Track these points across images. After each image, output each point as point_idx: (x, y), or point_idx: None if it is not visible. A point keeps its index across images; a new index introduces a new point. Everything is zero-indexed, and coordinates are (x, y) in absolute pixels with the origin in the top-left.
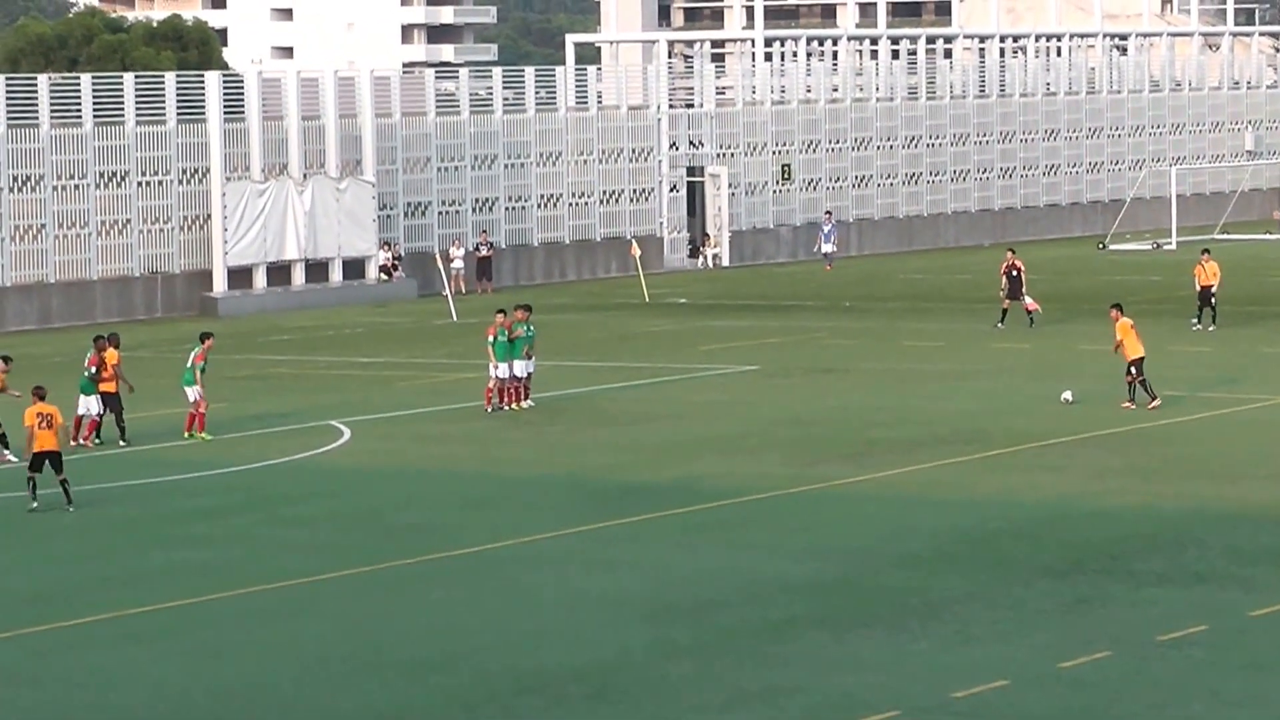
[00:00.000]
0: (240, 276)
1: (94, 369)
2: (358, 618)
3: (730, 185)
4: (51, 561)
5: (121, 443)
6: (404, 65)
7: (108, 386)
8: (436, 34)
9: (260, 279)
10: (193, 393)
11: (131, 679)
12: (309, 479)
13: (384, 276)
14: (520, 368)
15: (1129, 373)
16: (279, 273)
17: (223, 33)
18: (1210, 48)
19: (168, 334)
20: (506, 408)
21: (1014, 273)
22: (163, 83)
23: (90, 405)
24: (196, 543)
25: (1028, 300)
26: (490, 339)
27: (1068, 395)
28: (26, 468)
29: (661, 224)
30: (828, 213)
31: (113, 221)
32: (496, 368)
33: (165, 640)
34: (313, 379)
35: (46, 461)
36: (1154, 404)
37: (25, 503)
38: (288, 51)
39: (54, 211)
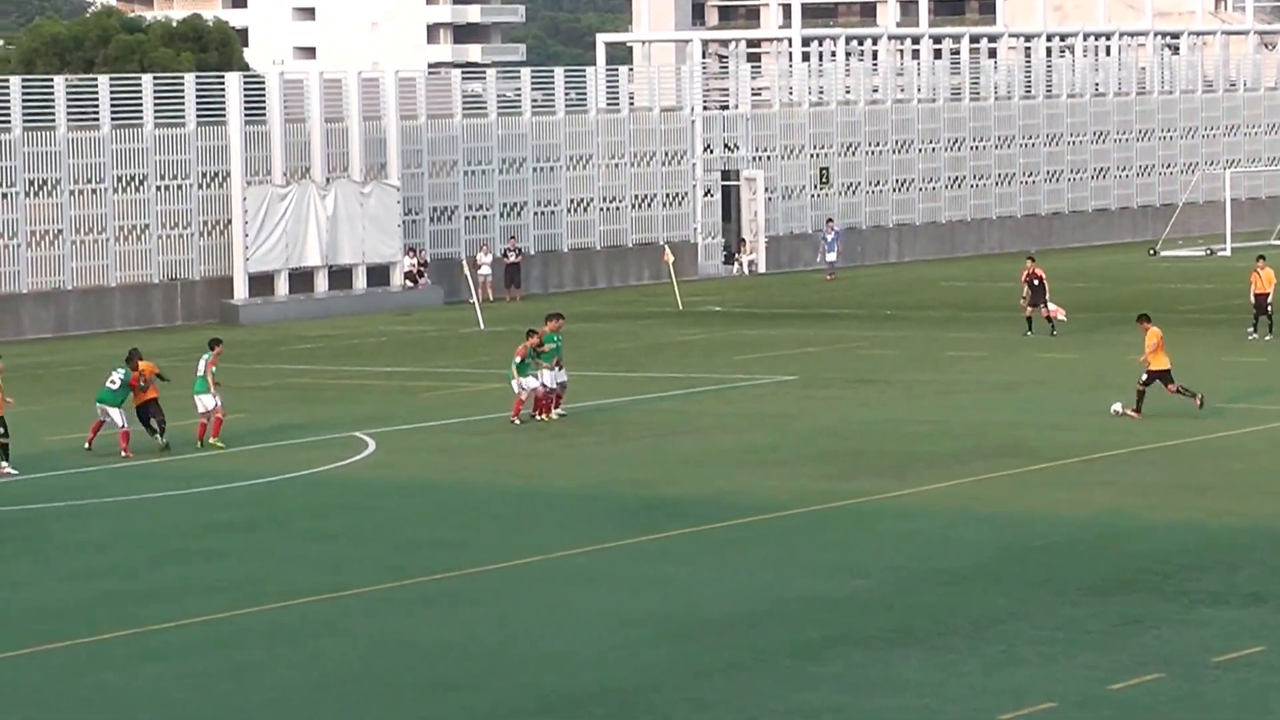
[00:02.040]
0: (262, 283)
1: (127, 383)
2: (379, 636)
3: (766, 189)
4: (67, 577)
5: (160, 439)
6: (429, 66)
7: (149, 395)
8: (463, 34)
9: (282, 286)
10: (206, 401)
11: (147, 698)
12: (332, 492)
13: (409, 283)
14: (550, 378)
15: (1144, 381)
16: (301, 279)
17: (243, 33)
18: (1266, 46)
19: (187, 342)
20: (538, 416)
21: (1035, 281)
22: (182, 84)
23: (116, 416)
24: (215, 557)
25: (1049, 307)
26: (517, 359)
27: (1117, 407)
28: None
29: (695, 229)
30: (829, 220)
31: (131, 227)
32: (521, 385)
33: (182, 659)
34: (336, 389)
35: None
36: (1199, 400)
37: (40, 516)
38: (310, 52)
39: (71, 216)
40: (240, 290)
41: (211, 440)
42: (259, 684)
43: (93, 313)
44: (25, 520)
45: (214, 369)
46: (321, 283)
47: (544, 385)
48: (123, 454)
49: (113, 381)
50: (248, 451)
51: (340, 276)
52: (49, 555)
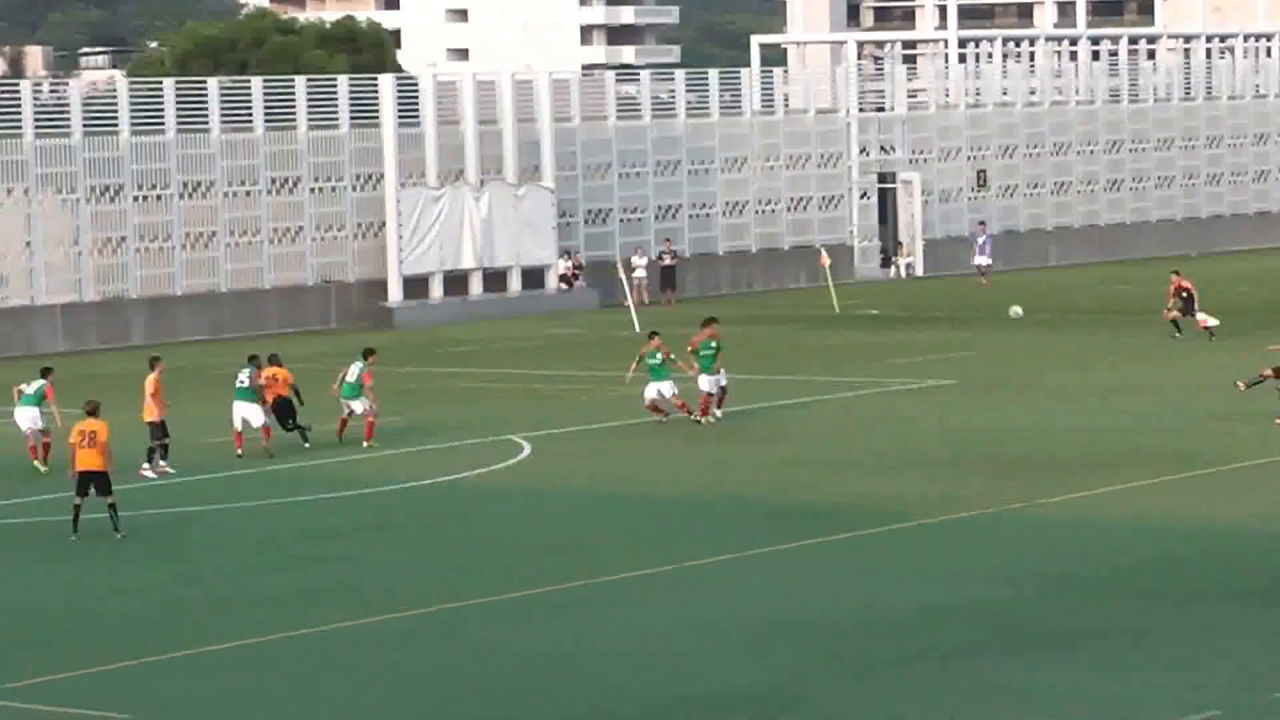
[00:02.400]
0: (416, 286)
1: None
2: (515, 642)
3: (923, 192)
4: (182, 581)
5: (305, 445)
6: (583, 68)
7: (277, 391)
8: (616, 35)
9: (436, 289)
10: (356, 405)
11: (261, 707)
12: (485, 496)
13: (564, 286)
14: (708, 382)
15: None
16: (455, 282)
17: (396, 34)
18: None
19: (341, 345)
20: (702, 419)
21: (1184, 294)
22: (335, 86)
23: (253, 415)
24: (362, 562)
25: (1200, 317)
26: (656, 359)
27: (1016, 310)
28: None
29: (852, 232)
30: (981, 223)
31: (285, 229)
32: (660, 390)
33: (294, 665)
34: (491, 393)
35: (91, 484)
36: None
37: (185, 518)
38: (463, 54)
39: (225, 219)
40: (394, 293)
41: (366, 443)
42: (377, 691)
43: (247, 315)
44: (170, 523)
45: (370, 382)
46: (476, 286)
47: (703, 391)
48: (264, 446)
49: (241, 381)
50: (402, 455)
51: (495, 279)
52: (164, 559)
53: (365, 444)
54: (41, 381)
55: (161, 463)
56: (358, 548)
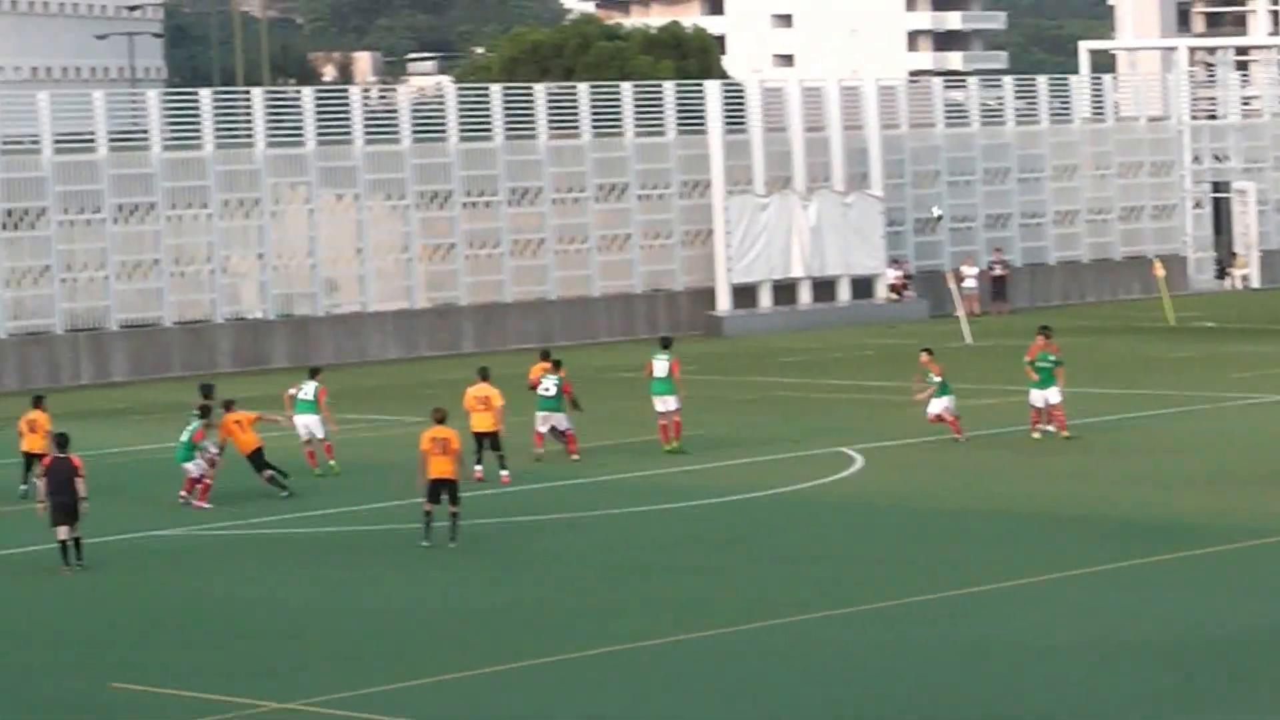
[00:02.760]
0: (744, 295)
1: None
2: (835, 660)
3: (1259, 202)
4: (536, 588)
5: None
6: (910, 74)
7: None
8: (943, 41)
9: (765, 297)
10: (668, 402)
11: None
12: (816, 508)
13: (893, 296)
14: (1042, 396)
15: None
16: (784, 291)
17: (720, 40)
18: None
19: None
20: (1053, 431)
21: None
22: (661, 92)
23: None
24: (695, 573)
25: None
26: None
27: (936, 209)
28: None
29: (1185, 242)
30: None
31: (612, 237)
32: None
33: (657, 674)
34: (821, 403)
35: (444, 492)
36: None
37: (521, 528)
38: (788, 60)
39: (553, 226)
40: (723, 302)
41: (675, 444)
42: (693, 709)
43: (576, 323)
44: (508, 531)
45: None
46: (805, 295)
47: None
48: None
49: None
50: (732, 466)
51: (823, 288)
52: (518, 567)
53: (672, 444)
54: (314, 384)
55: (503, 473)
56: (700, 558)
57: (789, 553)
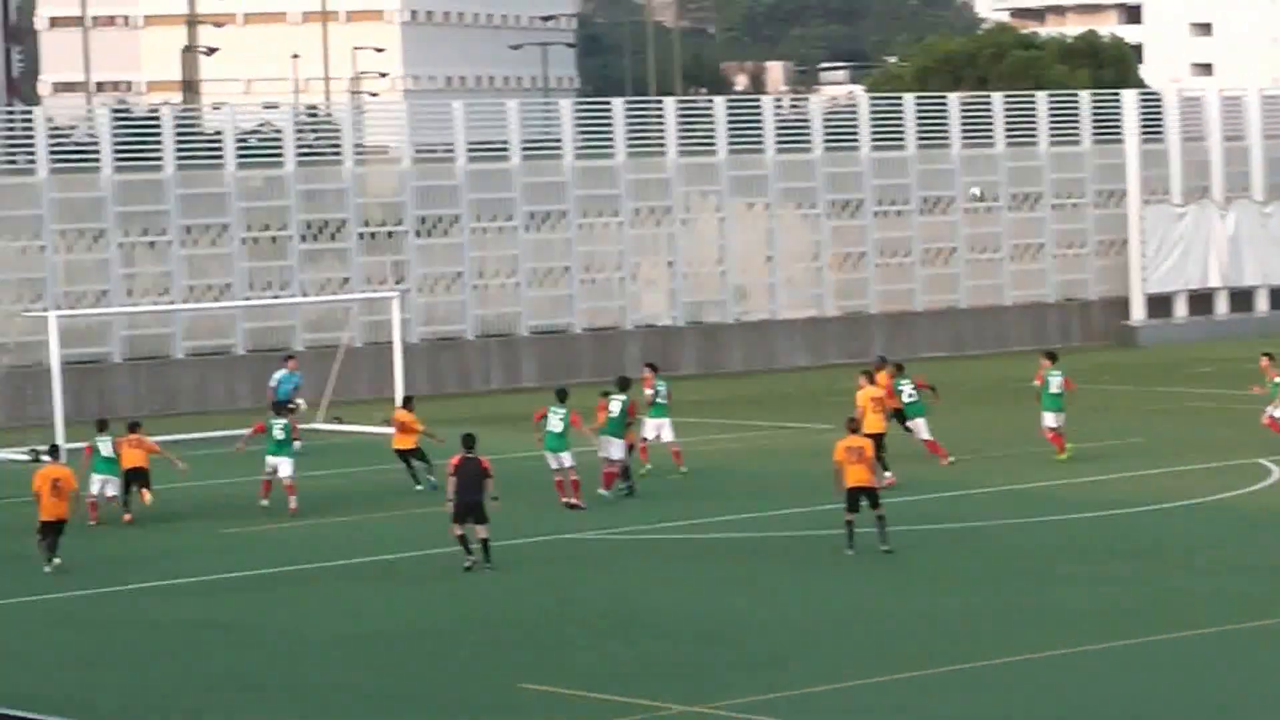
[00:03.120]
0: (1159, 304)
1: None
2: (1259, 676)
3: None
4: (969, 594)
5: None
6: None
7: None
8: None
9: (1180, 307)
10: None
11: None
12: (1231, 521)
13: None
14: None
15: None
16: (1199, 301)
17: (1138, 49)
18: None
19: (1083, 364)
20: None
21: None
22: (1077, 102)
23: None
24: (1104, 582)
25: None
26: None
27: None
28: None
29: None
30: None
31: (1025, 246)
32: None
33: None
34: (1236, 415)
35: (863, 499)
36: None
37: (929, 536)
38: (1206, 68)
39: (965, 235)
40: (1137, 311)
41: (1060, 456)
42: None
43: (987, 332)
44: (919, 541)
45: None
46: (1221, 305)
47: None
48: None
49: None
50: (1144, 477)
51: (1241, 298)
52: (912, 578)
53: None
54: (563, 409)
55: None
56: (1117, 567)
57: (1205, 565)
